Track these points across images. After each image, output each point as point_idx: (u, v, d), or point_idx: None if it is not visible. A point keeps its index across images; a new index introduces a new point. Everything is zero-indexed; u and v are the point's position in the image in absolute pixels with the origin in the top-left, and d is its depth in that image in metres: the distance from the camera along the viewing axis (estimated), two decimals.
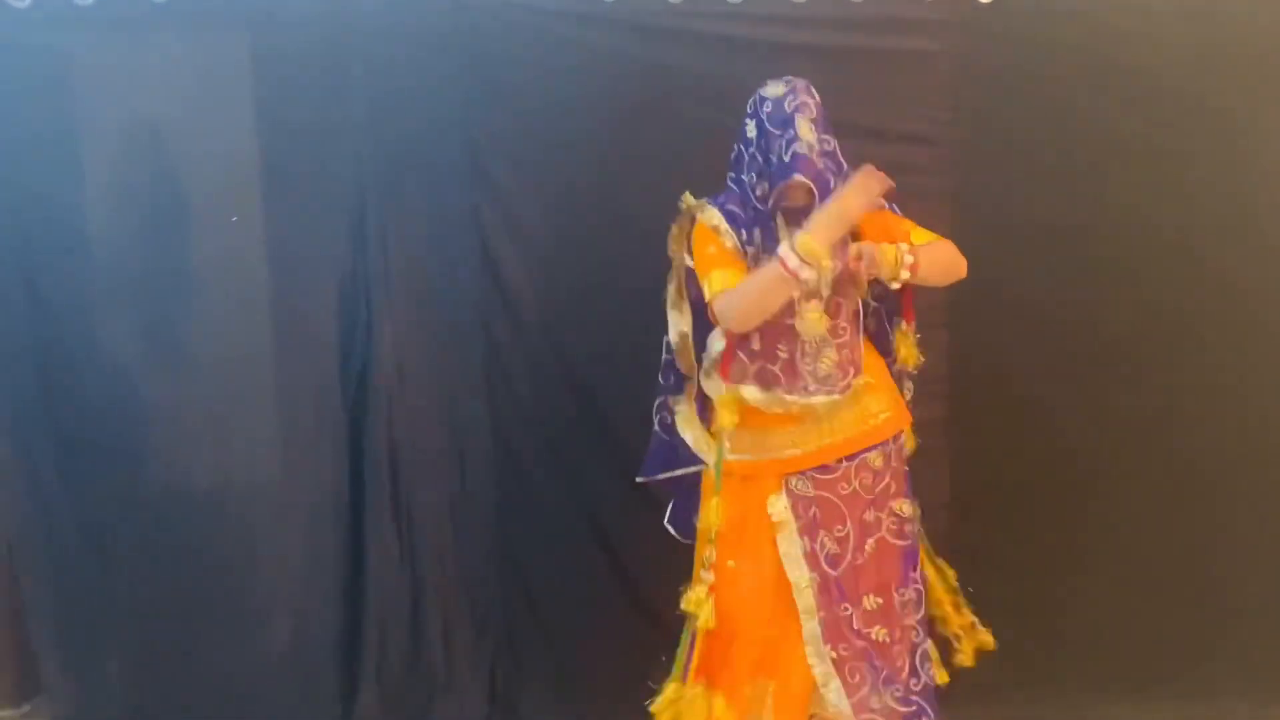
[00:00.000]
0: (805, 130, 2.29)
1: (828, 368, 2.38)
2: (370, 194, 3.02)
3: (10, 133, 2.93)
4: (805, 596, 2.38)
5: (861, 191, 2.23)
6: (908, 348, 2.51)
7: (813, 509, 2.41)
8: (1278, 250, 3.06)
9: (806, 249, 2.20)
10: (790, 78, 2.37)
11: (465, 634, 3.17)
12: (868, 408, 2.43)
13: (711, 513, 2.43)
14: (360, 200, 3.02)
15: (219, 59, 2.95)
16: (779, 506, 2.41)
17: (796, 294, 2.30)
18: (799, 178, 2.27)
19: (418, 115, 2.99)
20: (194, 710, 3.11)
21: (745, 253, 2.36)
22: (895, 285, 2.33)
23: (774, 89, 2.36)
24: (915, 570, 2.47)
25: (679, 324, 2.51)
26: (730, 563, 2.43)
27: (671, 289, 2.51)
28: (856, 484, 2.42)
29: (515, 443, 3.12)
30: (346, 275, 3.04)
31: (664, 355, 2.55)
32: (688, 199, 2.43)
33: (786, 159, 2.28)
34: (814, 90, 2.36)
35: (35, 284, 2.98)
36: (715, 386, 2.43)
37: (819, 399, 2.37)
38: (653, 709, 2.43)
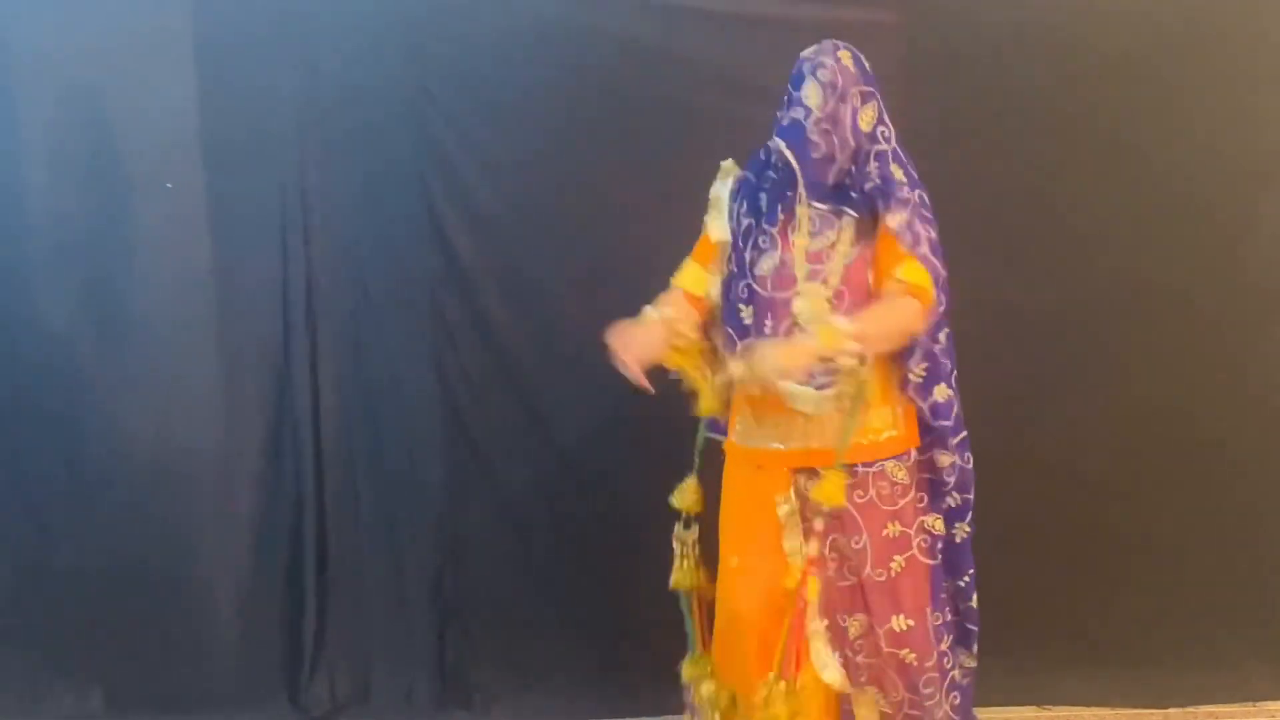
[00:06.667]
0: (812, 93, 2.13)
1: None
2: (311, 157, 2.97)
3: None
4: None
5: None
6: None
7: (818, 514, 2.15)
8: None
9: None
10: (834, 41, 2.19)
11: (414, 607, 3.09)
12: (868, 423, 2.17)
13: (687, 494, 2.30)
14: (301, 165, 2.97)
15: (158, 21, 2.90)
16: (785, 508, 2.18)
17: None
18: (778, 141, 2.15)
19: (361, 77, 2.94)
20: (138, 681, 3.05)
21: (738, 226, 2.21)
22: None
23: (810, 49, 2.19)
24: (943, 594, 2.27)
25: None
26: (734, 560, 2.23)
27: None
28: (874, 493, 2.19)
29: (465, 413, 3.05)
30: (292, 243, 2.98)
31: None
32: (724, 165, 2.30)
33: (785, 123, 2.16)
34: (858, 58, 2.17)
35: None
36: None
37: (797, 389, 2.12)
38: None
